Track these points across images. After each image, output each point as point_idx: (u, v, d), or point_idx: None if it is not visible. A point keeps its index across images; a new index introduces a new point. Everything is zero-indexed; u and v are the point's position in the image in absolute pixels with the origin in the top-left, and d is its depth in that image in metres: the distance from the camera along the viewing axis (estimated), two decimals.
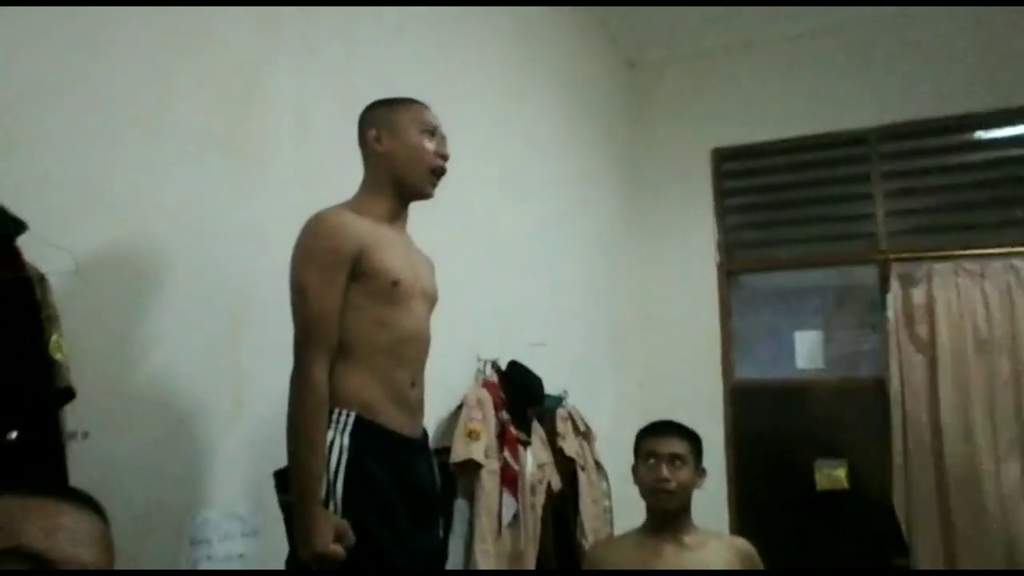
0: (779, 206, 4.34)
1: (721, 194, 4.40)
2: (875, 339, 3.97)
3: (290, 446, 1.50)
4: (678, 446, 2.10)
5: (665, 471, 2.05)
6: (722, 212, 4.39)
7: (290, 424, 1.50)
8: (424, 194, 1.74)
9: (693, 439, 2.15)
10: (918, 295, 3.77)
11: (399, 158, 1.70)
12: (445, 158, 1.74)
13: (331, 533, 1.44)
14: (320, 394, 1.51)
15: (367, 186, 1.73)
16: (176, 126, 1.75)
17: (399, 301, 1.63)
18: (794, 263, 4.24)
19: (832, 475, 3.81)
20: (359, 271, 1.58)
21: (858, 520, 3.74)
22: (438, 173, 1.73)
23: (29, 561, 0.76)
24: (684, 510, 2.10)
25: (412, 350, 1.66)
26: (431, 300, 1.77)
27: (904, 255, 3.90)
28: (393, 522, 1.53)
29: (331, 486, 1.49)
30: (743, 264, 4.35)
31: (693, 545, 2.06)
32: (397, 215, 1.73)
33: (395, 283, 1.62)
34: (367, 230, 1.62)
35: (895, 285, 3.82)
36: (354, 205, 1.67)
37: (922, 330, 3.73)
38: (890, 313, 3.78)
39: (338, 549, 1.43)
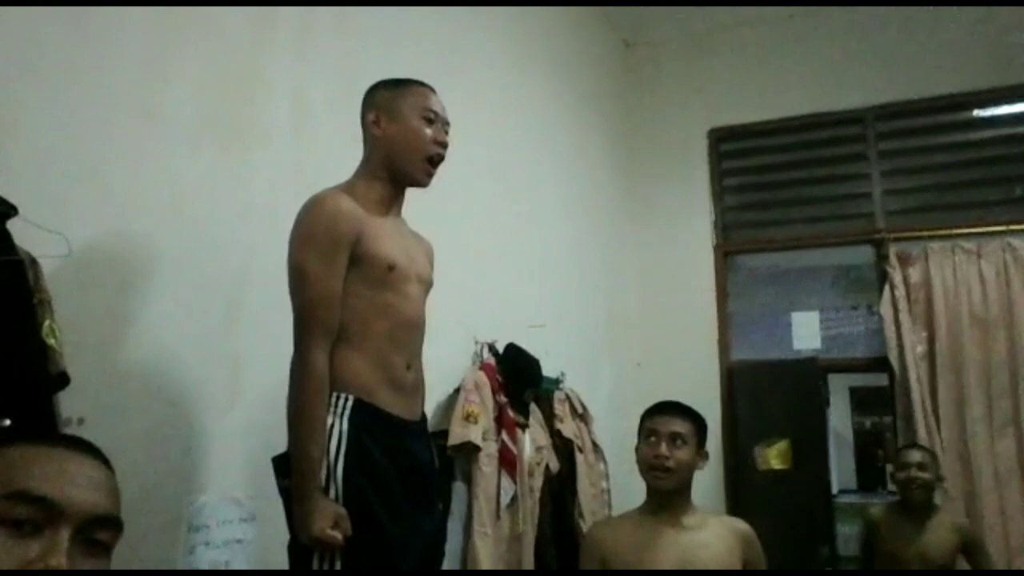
0: (776, 186, 4.32)
1: (718, 175, 4.38)
2: (872, 319, 3.97)
3: (290, 431, 1.48)
4: (679, 425, 2.08)
5: (664, 448, 2.04)
6: (719, 193, 4.37)
7: (291, 409, 1.49)
8: (418, 182, 1.71)
9: (696, 420, 2.14)
10: (915, 274, 3.77)
11: (396, 143, 1.67)
12: (444, 146, 1.70)
13: (331, 518, 1.43)
14: (320, 379, 1.49)
15: (364, 169, 1.71)
16: (173, 110, 1.73)
17: (395, 286, 1.61)
18: (791, 243, 4.22)
19: None
20: (356, 256, 1.56)
21: None
22: (434, 161, 1.70)
23: (35, 505, 0.75)
24: (683, 491, 2.08)
25: (408, 335, 1.64)
26: (426, 284, 1.75)
27: (901, 234, 3.90)
28: (393, 504, 1.53)
29: (331, 470, 1.48)
30: (740, 245, 4.33)
31: (692, 526, 2.05)
32: (392, 200, 1.70)
33: (390, 268, 1.60)
34: (363, 215, 1.59)
35: (892, 264, 3.81)
36: (349, 188, 1.65)
37: (919, 309, 3.73)
38: (888, 292, 3.78)
39: (336, 534, 1.43)
